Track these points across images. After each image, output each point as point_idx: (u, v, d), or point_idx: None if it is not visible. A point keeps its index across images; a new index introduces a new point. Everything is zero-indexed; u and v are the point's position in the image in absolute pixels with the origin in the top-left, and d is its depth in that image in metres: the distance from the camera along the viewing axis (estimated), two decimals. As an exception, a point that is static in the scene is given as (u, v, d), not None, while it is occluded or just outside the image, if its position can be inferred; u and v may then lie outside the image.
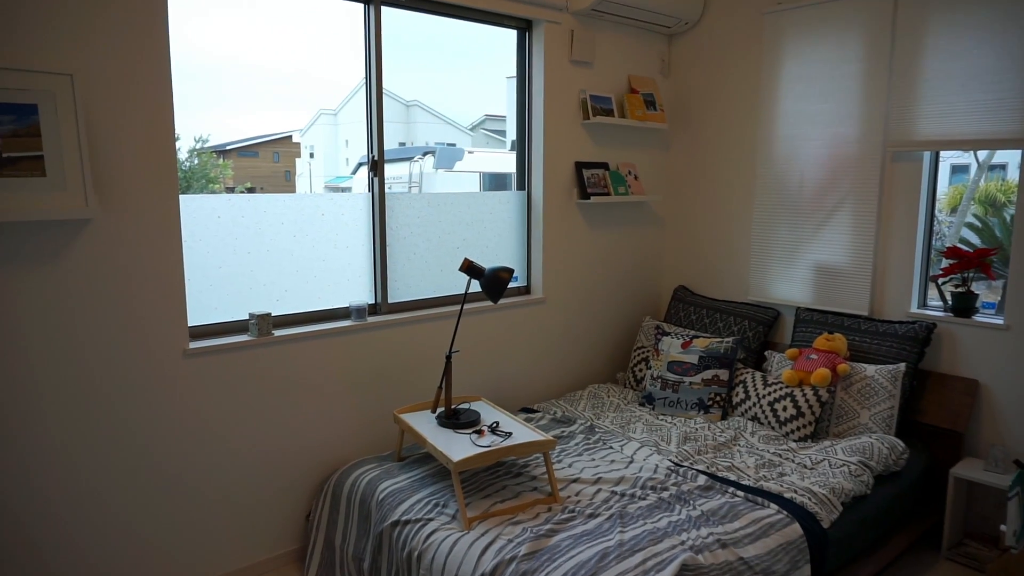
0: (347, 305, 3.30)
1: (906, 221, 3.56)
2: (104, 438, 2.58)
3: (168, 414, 2.72)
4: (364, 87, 3.31)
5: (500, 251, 3.89)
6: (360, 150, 3.37)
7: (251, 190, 3.71)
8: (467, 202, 3.72)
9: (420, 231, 3.53)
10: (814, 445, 3.20)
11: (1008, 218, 6.06)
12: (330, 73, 3.36)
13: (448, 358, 2.95)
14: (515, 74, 3.90)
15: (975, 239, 5.30)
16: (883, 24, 3.51)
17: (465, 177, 4.46)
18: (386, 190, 3.33)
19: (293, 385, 3.05)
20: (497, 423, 2.90)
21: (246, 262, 3.01)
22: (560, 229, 3.99)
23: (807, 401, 3.31)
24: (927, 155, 3.50)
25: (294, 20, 3.14)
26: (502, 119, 4.20)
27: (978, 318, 3.38)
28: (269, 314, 2.96)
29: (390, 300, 3.44)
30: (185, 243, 2.80)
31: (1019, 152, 3.15)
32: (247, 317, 3.00)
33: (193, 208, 2.83)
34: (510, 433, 2.81)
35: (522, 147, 3.94)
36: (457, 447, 2.67)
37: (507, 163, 4.06)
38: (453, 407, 3.05)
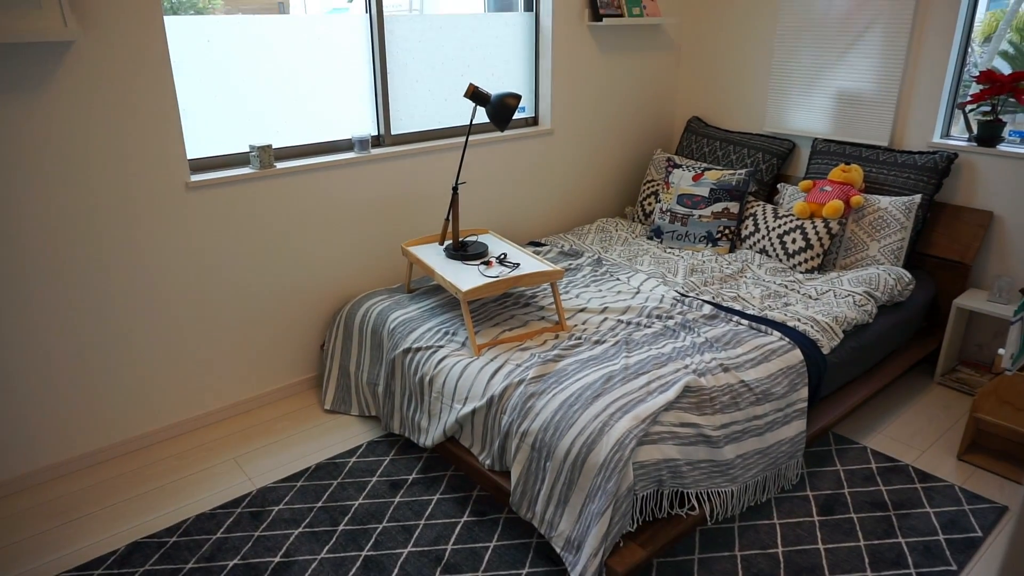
0: (349, 137, 3.20)
1: (939, 43, 3.34)
2: (110, 276, 2.60)
3: (175, 249, 2.73)
4: None
5: (506, 79, 3.70)
6: (356, -27, 3.11)
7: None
8: (471, 25, 3.49)
9: (422, 56, 3.34)
10: (820, 276, 3.22)
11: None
12: None
13: (455, 190, 2.90)
14: None
15: (1007, 68, 5.02)
16: None
17: (468, 3, 4.16)
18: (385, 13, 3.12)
19: (299, 218, 3.03)
20: (505, 254, 2.91)
21: (242, 91, 2.87)
22: (570, 55, 3.78)
23: (817, 233, 3.28)
24: (971, -33, 3.21)
25: None
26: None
27: (1003, 147, 3.27)
28: (270, 146, 2.88)
29: (393, 132, 3.32)
30: (176, 69, 2.67)
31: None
32: (248, 149, 2.92)
33: (181, 31, 2.66)
34: (518, 264, 2.82)
35: (530, -38, 3.63)
36: (465, 277, 2.69)
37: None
38: (461, 239, 3.05)
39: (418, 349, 2.65)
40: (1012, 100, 3.26)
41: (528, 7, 3.69)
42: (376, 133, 3.30)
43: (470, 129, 2.97)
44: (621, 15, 3.80)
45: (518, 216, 3.85)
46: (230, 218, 2.84)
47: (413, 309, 2.90)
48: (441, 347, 2.62)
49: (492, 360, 2.49)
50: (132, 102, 2.50)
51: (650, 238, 3.74)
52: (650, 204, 4.00)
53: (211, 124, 2.83)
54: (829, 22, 3.62)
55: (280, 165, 2.93)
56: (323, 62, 3.05)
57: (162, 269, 2.71)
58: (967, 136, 3.42)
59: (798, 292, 3.06)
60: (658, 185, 3.99)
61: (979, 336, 3.44)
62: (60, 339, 2.54)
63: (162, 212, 2.66)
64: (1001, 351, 2.24)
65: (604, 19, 3.70)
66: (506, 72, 3.68)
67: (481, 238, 3.13)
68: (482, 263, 2.85)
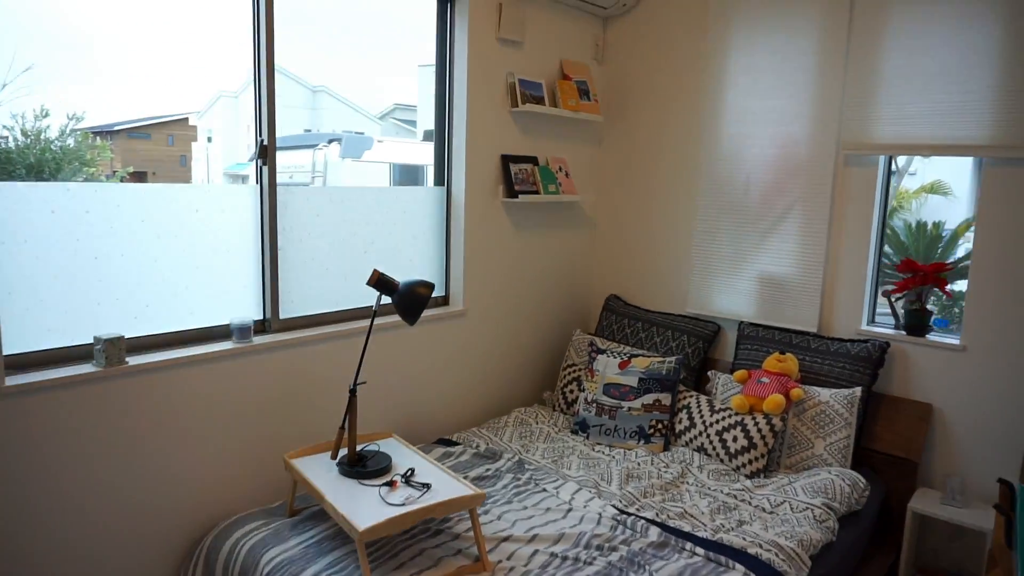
0: (228, 323, 2.69)
1: (857, 230, 3.29)
2: None
3: (-26, 474, 2.05)
4: (253, 57, 2.71)
5: (415, 256, 3.36)
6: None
7: (139, 175, 3.06)
8: (376, 198, 3.17)
9: (320, 232, 2.95)
10: (769, 483, 2.87)
11: (913, 223, 6.11)
12: (229, 52, 2.82)
13: (352, 392, 2.41)
14: (428, 61, 3.38)
15: (887, 246, 5.28)
16: (840, 14, 3.21)
17: (374, 168, 3.96)
18: (287, 179, 2.75)
19: (156, 425, 2.43)
20: (412, 470, 2.40)
21: (93, 270, 2.35)
22: (483, 231, 3.50)
23: (759, 431, 2.97)
24: (882, 159, 3.24)
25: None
26: (413, 109, 3.75)
27: (932, 337, 3.16)
28: (121, 337, 2.32)
29: (282, 316, 2.85)
30: (1, 244, 2.14)
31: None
32: (91, 341, 2.36)
33: (13, 200, 2.16)
34: (428, 484, 2.31)
35: (441, 136, 3.42)
36: (363, 507, 2.14)
37: (419, 154, 3.58)
38: (359, 449, 2.52)
39: (298, 608, 2.03)
40: (936, 290, 3.19)
41: (439, 181, 3.44)
42: (261, 317, 2.81)
43: (373, 318, 2.54)
44: (537, 192, 3.61)
45: (427, 409, 3.36)
46: (60, 429, 2.20)
47: (295, 544, 2.29)
48: (329, 604, 2.02)
49: (396, 626, 1.91)
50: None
51: (575, 432, 3.32)
52: (572, 391, 3.62)
53: (49, 310, 2.27)
54: (748, 205, 3.55)
55: (133, 360, 2.37)
56: (199, 237, 2.60)
57: (-52, 506, 2.02)
58: (895, 324, 3.31)
59: (750, 503, 2.68)
60: (580, 370, 3.65)
61: (933, 540, 3.14)
62: None
63: (-43, 429, 2.01)
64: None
65: (520, 196, 3.49)
66: (415, 248, 3.35)
67: (384, 445, 2.62)
68: (384, 484, 2.31)
